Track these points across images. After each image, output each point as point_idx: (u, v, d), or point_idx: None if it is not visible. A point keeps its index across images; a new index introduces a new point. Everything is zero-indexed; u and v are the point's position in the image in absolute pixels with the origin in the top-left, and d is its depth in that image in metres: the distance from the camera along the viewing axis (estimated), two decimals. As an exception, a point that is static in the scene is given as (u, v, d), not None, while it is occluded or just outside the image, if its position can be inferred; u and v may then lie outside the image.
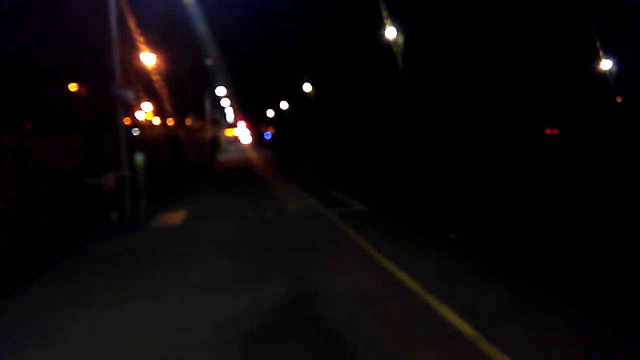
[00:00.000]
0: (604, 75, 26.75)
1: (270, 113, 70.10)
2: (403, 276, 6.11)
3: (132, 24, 17.70)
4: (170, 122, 36.35)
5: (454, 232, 9.36)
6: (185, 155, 24.39)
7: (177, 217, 11.94)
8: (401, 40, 25.87)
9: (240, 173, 25.77)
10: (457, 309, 4.94)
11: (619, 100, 30.23)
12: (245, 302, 5.51)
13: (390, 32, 25.13)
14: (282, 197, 14.52)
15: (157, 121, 35.78)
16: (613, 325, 4.65)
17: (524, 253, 7.98)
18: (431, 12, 30.50)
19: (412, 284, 5.78)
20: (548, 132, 31.54)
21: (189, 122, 38.85)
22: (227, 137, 77.35)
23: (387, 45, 26.58)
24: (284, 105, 55.17)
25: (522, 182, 16.26)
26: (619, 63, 26.41)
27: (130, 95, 11.82)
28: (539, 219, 10.84)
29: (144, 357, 4.29)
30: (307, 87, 41.37)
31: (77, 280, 6.72)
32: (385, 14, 25.45)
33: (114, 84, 11.58)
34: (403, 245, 7.95)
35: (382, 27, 25.52)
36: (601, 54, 25.48)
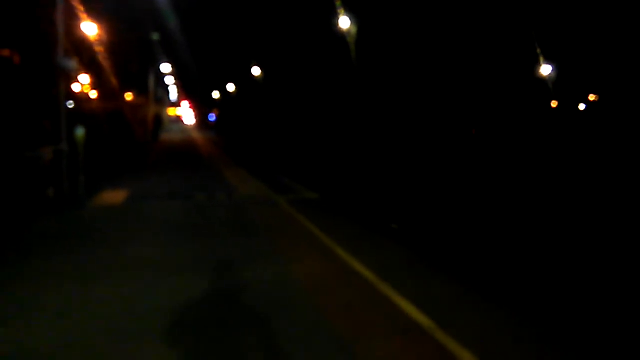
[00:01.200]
0: (543, 80, 28.18)
1: (216, 94, 68.45)
2: (357, 265, 6.16)
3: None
4: (110, 95, 34.56)
5: (395, 221, 9.53)
6: (133, 132, 23.34)
7: (117, 196, 11.47)
8: (354, 30, 25.93)
9: (184, 153, 25.11)
10: (412, 298, 5.03)
11: (554, 104, 32.01)
12: (192, 288, 5.25)
13: (344, 22, 25.08)
14: (231, 180, 14.29)
15: (94, 94, 33.90)
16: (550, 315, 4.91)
17: (459, 243, 8.22)
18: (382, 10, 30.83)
19: (367, 273, 5.83)
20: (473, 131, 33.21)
21: (130, 97, 37.15)
22: (170, 116, 74.89)
23: (340, 35, 26.57)
24: (231, 88, 53.97)
25: (455, 176, 16.96)
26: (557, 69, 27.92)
27: (73, 65, 11.12)
28: (472, 210, 11.29)
29: (78, 342, 4.02)
30: (256, 71, 40.66)
31: (6, 261, 6.27)
32: (338, 3, 25.39)
33: (57, 53, 10.83)
34: (354, 233, 8.02)
35: (335, 16, 25.46)
36: (541, 59, 26.79)
